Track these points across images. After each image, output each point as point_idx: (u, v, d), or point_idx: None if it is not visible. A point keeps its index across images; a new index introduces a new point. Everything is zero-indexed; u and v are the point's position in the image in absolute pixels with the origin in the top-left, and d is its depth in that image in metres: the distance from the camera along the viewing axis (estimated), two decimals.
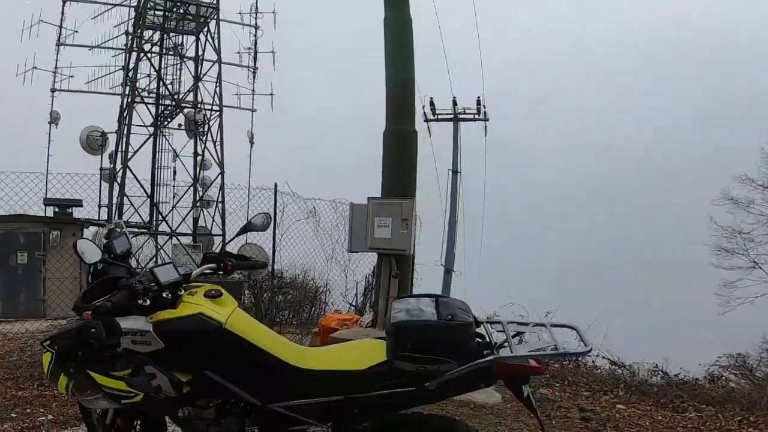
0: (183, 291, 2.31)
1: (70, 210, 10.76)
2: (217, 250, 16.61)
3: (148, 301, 2.16)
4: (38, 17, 12.13)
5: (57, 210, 10.63)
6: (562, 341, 2.13)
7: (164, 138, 17.47)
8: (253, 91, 17.55)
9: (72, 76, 13.12)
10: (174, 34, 15.90)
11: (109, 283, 2.23)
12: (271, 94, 17.82)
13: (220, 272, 2.57)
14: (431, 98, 19.65)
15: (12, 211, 9.70)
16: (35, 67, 12.35)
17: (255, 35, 17.16)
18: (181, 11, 14.02)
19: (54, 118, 13.25)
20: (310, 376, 2.22)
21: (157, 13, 14.01)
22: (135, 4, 13.12)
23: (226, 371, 2.22)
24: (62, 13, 12.55)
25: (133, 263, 2.51)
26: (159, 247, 16.58)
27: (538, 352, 2.11)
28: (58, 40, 12.61)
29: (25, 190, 9.37)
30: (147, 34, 14.25)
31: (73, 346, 2.04)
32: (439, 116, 19.81)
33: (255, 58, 17.34)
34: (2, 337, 7.71)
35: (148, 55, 14.10)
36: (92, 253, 2.30)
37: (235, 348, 2.20)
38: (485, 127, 19.74)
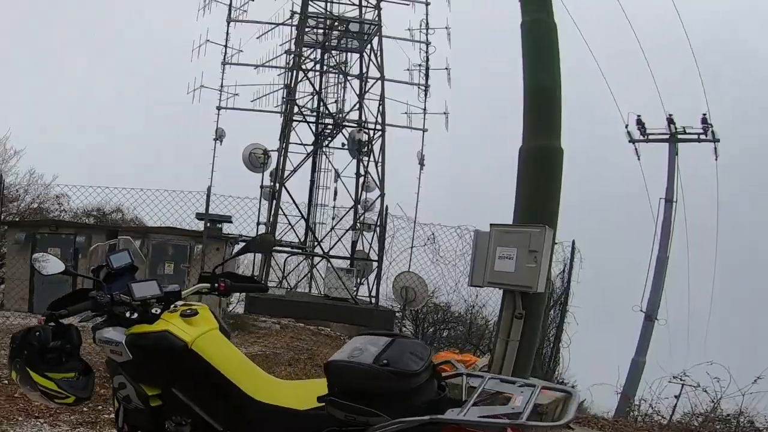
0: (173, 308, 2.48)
1: (219, 225, 11.91)
2: (372, 276, 17.23)
3: (136, 315, 2.37)
4: (205, 38, 13.72)
5: (208, 225, 11.84)
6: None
7: (325, 157, 18.66)
8: (424, 109, 17.80)
9: (237, 95, 14.60)
10: (336, 52, 16.97)
11: (82, 294, 2.43)
12: (446, 113, 18.06)
13: (214, 292, 2.70)
14: (638, 116, 18.34)
15: (177, 224, 11.13)
16: (203, 86, 13.97)
17: (426, 51, 17.51)
18: (341, 29, 14.87)
19: (219, 135, 14.83)
20: (260, 409, 2.26)
21: (319, 31, 15.04)
22: (297, 23, 14.24)
23: (190, 391, 2.33)
24: (227, 33, 14.08)
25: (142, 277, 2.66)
26: (314, 267, 17.61)
27: (489, 417, 1.88)
28: (224, 59, 14.15)
29: (188, 204, 10.86)
30: (309, 52, 15.42)
31: (20, 345, 2.28)
32: (650, 137, 18.37)
33: (427, 76, 17.61)
34: None
35: (309, 73, 15.18)
36: (50, 266, 2.49)
37: (198, 369, 2.30)
38: (715, 149, 17.86)
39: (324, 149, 18.34)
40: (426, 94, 18.15)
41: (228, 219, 11.84)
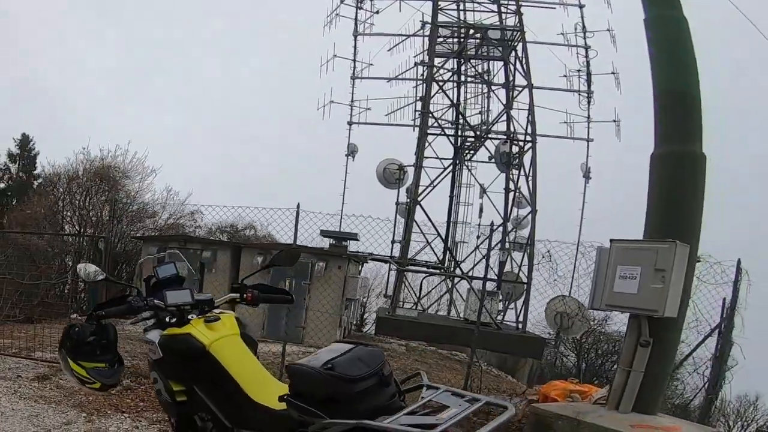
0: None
1: (345, 243, 12.30)
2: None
3: (174, 319, 2.82)
4: (332, 53, 14.30)
5: (333, 242, 12.30)
6: None
7: (468, 171, 18.53)
8: (588, 118, 17.37)
9: (369, 109, 15.03)
10: (477, 61, 16.89)
11: (122, 299, 2.90)
12: (615, 121, 17.40)
13: (243, 302, 3.10)
14: None
15: (307, 241, 11.68)
16: (332, 101, 14.54)
17: (586, 56, 16.94)
18: (478, 37, 14.80)
19: (351, 151, 15.33)
20: (253, 408, 2.54)
21: (454, 41, 15.08)
22: (429, 33, 14.40)
23: (207, 390, 2.67)
24: (354, 47, 14.59)
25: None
26: (453, 288, 17.49)
27: (412, 427, 1.99)
28: (353, 73, 14.65)
29: (318, 221, 11.34)
30: (447, 63, 15.47)
31: (65, 338, 2.82)
32: None
33: (588, 82, 17.12)
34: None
35: (445, 84, 15.24)
36: (91, 274, 2.95)
37: (214, 371, 2.63)
38: None
39: (466, 163, 18.24)
40: (589, 102, 17.52)
41: (353, 236, 12.20)
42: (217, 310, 2.93)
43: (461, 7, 14.77)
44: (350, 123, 15.30)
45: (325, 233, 11.61)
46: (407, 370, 9.42)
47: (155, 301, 2.85)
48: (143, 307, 2.83)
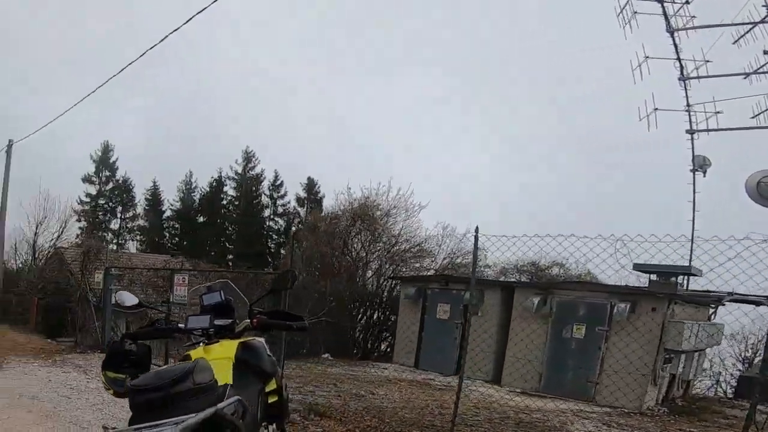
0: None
1: (674, 280, 9.88)
2: None
3: (207, 340, 3.25)
4: (643, 54, 12.00)
5: (654, 278, 9.98)
6: None
7: None
8: None
9: (719, 112, 12.19)
10: None
11: (152, 323, 3.53)
12: None
13: (251, 328, 3.40)
14: None
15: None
16: (656, 109, 12.15)
17: None
18: None
19: (700, 165, 12.59)
20: None
21: None
22: None
23: None
24: (675, 45, 11.97)
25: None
26: None
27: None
28: (681, 73, 12.07)
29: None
30: None
31: (103, 352, 3.48)
32: None
33: None
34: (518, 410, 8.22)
35: None
36: (128, 300, 3.63)
37: None
38: None
39: None
40: None
41: (688, 271, 9.79)
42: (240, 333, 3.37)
43: None
44: (691, 131, 12.45)
45: (639, 267, 9.55)
46: None
47: (179, 325, 3.38)
48: (167, 330, 3.44)
